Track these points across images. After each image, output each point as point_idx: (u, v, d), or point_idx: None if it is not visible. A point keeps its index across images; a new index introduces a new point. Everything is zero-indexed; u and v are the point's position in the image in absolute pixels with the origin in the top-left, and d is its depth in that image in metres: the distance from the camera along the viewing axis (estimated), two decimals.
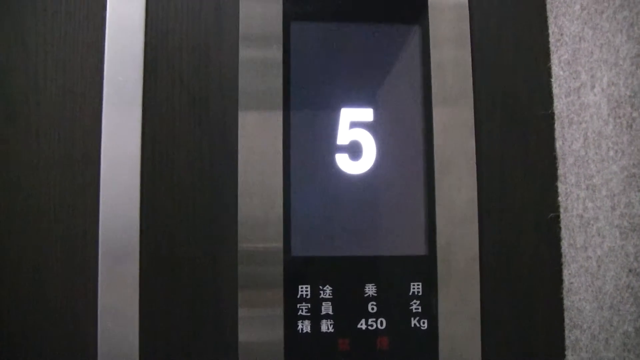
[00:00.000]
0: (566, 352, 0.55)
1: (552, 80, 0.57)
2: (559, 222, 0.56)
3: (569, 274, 0.55)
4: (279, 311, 0.54)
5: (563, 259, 0.56)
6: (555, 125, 0.57)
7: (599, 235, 0.50)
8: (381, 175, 0.56)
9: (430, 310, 0.55)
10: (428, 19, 0.58)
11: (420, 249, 0.56)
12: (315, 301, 0.54)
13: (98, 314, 0.53)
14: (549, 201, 0.57)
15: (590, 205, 0.52)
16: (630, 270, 0.46)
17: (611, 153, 0.49)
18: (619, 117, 0.48)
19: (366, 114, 0.57)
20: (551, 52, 0.58)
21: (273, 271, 0.54)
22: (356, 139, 0.56)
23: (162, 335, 0.54)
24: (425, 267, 0.55)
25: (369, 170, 0.56)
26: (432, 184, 0.56)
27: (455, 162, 0.56)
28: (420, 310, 0.55)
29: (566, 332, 0.55)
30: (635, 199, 0.46)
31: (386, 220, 0.56)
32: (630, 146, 0.47)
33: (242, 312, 0.53)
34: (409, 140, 0.57)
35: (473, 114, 0.57)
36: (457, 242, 0.56)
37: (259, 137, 0.55)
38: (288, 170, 0.55)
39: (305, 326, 0.54)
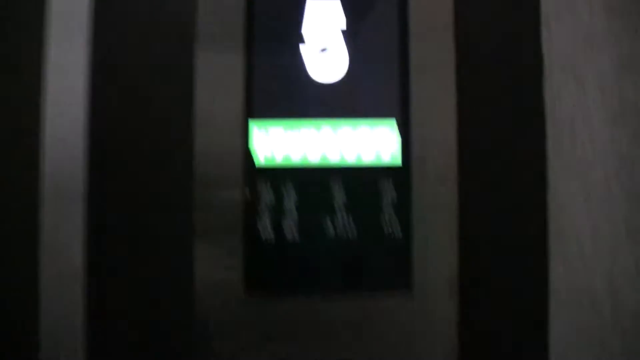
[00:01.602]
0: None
1: None
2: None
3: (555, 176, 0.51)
4: (239, 218, 0.50)
5: (548, 162, 0.52)
6: None
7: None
8: (354, 82, 0.52)
9: (403, 221, 0.51)
10: None
11: (394, 159, 0.52)
12: (280, 211, 0.51)
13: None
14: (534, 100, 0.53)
15: None
16: None
17: None
18: None
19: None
20: None
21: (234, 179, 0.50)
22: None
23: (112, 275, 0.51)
24: (399, 177, 0.51)
25: (341, 79, 0.52)
26: (407, 88, 0.52)
27: (432, 63, 0.52)
28: (392, 220, 0.51)
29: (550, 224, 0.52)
30: None
31: (358, 129, 0.52)
32: None
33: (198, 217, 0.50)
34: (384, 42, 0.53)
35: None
36: (434, 149, 0.51)
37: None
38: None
39: (268, 235, 0.50)
